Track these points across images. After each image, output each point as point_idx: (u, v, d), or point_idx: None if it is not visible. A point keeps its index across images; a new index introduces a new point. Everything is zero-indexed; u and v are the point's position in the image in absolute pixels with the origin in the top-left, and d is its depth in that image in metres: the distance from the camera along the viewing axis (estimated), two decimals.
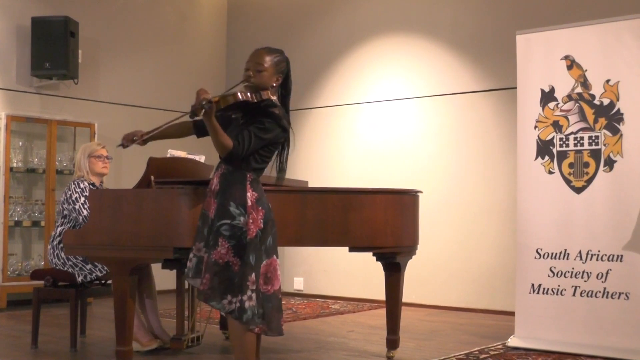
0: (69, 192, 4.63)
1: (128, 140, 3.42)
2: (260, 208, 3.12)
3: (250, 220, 3.08)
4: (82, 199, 4.58)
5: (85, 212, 4.54)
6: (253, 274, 3.07)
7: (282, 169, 3.33)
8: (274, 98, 3.18)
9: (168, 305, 6.04)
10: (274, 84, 3.21)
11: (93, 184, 4.72)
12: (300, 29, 8.08)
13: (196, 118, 3.07)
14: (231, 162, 3.14)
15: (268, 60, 3.19)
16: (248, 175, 3.14)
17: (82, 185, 4.65)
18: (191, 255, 3.24)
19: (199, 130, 3.42)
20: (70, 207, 4.60)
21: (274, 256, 3.19)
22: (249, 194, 3.10)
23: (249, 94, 3.08)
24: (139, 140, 3.42)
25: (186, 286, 4.42)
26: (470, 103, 6.82)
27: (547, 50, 4.86)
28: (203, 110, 2.98)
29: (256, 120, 3.12)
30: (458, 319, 6.17)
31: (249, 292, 3.06)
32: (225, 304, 3.05)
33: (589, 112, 4.70)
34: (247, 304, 3.05)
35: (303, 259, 7.70)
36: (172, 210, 3.70)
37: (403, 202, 4.24)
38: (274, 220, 3.23)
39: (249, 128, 3.10)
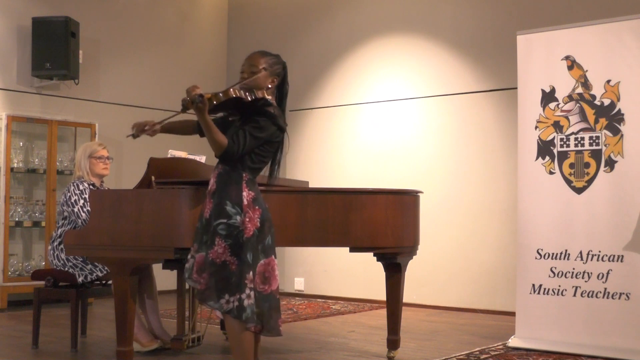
0: (68, 194, 4.60)
1: (139, 130, 3.36)
2: (256, 207, 3.13)
3: (247, 219, 3.09)
4: (82, 201, 4.56)
5: (84, 215, 4.53)
6: (251, 272, 3.08)
7: (272, 173, 3.32)
8: (269, 98, 3.18)
9: (169, 306, 6.05)
10: (269, 86, 3.22)
11: (93, 185, 4.70)
12: (301, 29, 8.08)
13: (187, 111, 3.04)
14: (227, 161, 3.14)
15: (262, 62, 3.21)
16: (244, 175, 3.15)
17: (81, 187, 4.62)
18: (189, 256, 3.25)
19: (202, 130, 3.41)
20: (70, 209, 4.59)
21: (272, 256, 3.20)
22: (244, 193, 3.11)
23: (242, 92, 3.08)
24: (150, 131, 3.36)
25: (187, 287, 4.42)
26: (471, 103, 6.82)
27: (547, 51, 4.86)
28: (195, 105, 2.96)
29: (251, 120, 3.13)
30: (458, 319, 6.16)
31: (247, 291, 3.06)
32: (222, 303, 3.06)
33: (590, 113, 4.70)
34: (246, 302, 3.06)
35: (303, 259, 7.70)
36: (173, 211, 3.70)
37: (404, 202, 4.24)
38: (272, 220, 3.24)
39: (244, 127, 3.12)
